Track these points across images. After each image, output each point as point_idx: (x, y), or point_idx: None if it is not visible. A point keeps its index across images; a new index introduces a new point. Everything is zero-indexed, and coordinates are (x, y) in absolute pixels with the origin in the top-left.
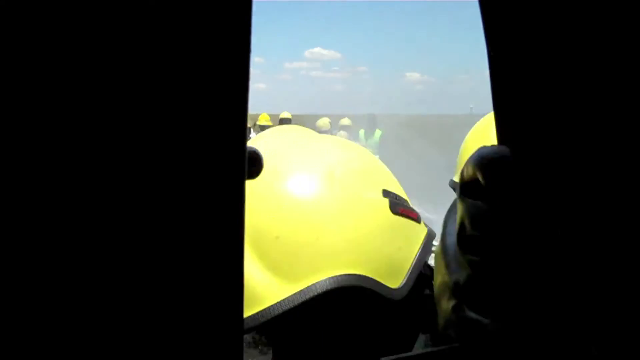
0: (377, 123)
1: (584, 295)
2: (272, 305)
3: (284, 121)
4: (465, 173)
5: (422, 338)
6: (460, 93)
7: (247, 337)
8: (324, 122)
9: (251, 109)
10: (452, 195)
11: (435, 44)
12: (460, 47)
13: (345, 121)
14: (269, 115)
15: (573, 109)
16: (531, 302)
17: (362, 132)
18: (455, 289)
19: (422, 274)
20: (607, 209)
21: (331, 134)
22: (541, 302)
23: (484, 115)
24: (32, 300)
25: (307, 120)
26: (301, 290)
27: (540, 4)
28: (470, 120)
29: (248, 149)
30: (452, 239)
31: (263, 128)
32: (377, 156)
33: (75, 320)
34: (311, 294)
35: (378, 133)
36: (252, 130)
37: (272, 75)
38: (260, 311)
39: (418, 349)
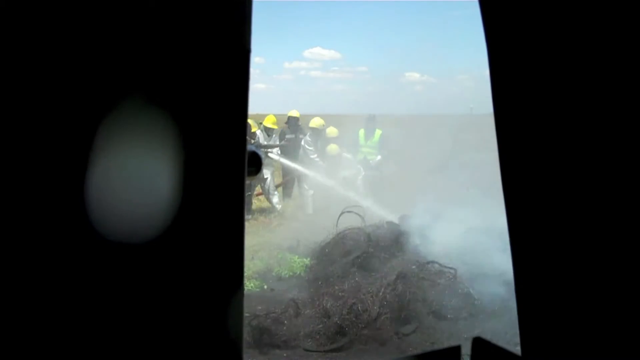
0: (376, 123)
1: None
2: None
3: (291, 120)
4: None
5: None
6: (460, 93)
7: (247, 337)
8: (318, 121)
9: (251, 109)
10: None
11: (435, 44)
12: (460, 47)
13: (332, 132)
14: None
15: (572, 108)
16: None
17: (361, 132)
18: None
19: None
20: (606, 207)
21: (322, 144)
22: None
23: (484, 115)
24: (32, 301)
25: (307, 121)
26: None
27: (540, 4)
28: (470, 120)
29: (248, 149)
30: None
31: (268, 130)
32: (379, 157)
33: (75, 320)
34: None
35: (378, 133)
36: (257, 132)
37: (272, 75)
38: None
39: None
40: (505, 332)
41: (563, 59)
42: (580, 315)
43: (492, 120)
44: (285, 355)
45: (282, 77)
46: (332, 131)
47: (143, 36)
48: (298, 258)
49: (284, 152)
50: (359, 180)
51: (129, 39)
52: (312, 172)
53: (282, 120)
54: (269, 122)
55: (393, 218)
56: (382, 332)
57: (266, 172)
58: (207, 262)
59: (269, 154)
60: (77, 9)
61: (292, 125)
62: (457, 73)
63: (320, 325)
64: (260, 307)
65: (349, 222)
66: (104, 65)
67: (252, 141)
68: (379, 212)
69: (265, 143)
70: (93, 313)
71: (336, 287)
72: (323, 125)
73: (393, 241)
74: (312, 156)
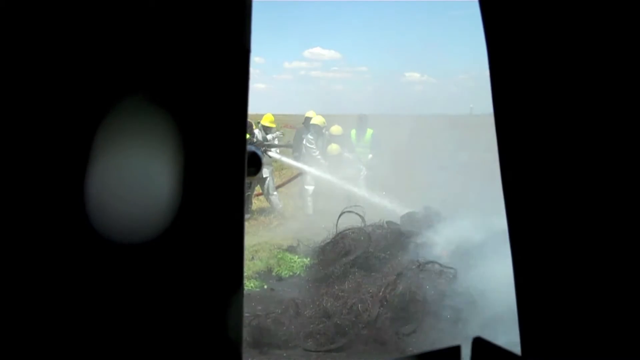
0: (367, 123)
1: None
2: None
3: (308, 120)
4: None
5: None
6: (460, 93)
7: (247, 337)
8: (320, 119)
9: (251, 109)
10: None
11: (435, 43)
12: (460, 47)
13: (337, 130)
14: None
15: (572, 108)
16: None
17: (353, 132)
18: None
19: None
20: (606, 207)
21: (325, 138)
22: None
23: (484, 115)
24: (33, 301)
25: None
26: None
27: (540, 5)
28: (471, 120)
29: (248, 149)
30: None
31: (266, 129)
32: (370, 155)
33: (75, 319)
34: None
35: (369, 132)
36: (255, 131)
37: (272, 75)
38: None
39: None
40: (505, 332)
41: (563, 59)
42: (580, 315)
43: (492, 120)
44: (285, 355)
45: (282, 77)
46: (336, 129)
47: (143, 36)
48: (298, 258)
49: (298, 151)
50: (361, 179)
51: (129, 39)
52: (315, 169)
53: (280, 120)
54: (266, 121)
55: (399, 212)
56: (382, 332)
57: (265, 172)
58: (207, 262)
59: (269, 153)
60: (77, 8)
61: (308, 125)
62: (457, 73)
63: (320, 325)
64: (260, 307)
65: (349, 222)
66: (104, 65)
67: (255, 139)
68: (387, 206)
69: (267, 141)
70: (93, 313)
71: (336, 287)
72: (324, 123)
73: (393, 241)
74: (314, 154)
